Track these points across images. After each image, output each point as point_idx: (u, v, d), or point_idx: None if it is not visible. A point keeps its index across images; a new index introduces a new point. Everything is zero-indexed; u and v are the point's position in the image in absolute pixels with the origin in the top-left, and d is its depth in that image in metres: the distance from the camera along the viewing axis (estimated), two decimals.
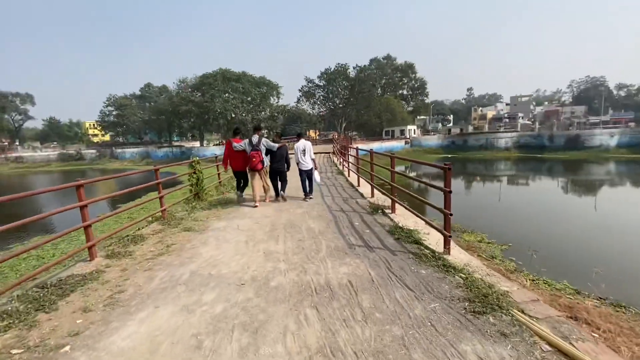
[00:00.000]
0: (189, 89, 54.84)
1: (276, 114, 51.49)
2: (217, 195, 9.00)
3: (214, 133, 62.53)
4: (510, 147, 48.17)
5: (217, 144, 55.95)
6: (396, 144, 50.01)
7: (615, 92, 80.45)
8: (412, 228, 5.32)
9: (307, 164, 7.53)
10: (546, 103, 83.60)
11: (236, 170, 7.51)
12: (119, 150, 55.29)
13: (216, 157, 10.65)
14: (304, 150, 7.57)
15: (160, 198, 6.41)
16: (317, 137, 56.35)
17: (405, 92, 68.08)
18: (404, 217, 6.12)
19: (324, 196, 8.33)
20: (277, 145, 7.25)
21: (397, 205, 6.32)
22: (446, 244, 4.21)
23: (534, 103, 77.97)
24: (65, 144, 67.25)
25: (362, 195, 8.39)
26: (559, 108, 68.16)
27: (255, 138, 7.05)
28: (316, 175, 7.77)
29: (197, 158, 8.15)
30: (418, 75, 66.32)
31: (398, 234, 5.06)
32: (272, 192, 7.83)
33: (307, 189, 7.66)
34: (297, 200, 7.74)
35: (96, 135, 77.57)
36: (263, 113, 50.64)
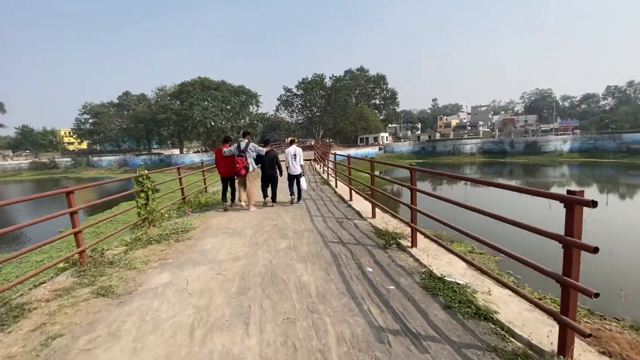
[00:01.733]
0: (168, 97, 52.26)
1: (255, 122, 50.15)
2: (177, 217, 6.63)
3: (193, 140, 60.03)
4: (475, 152, 48.55)
5: (197, 152, 53.46)
6: (371, 150, 49.75)
7: (561, 102, 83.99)
8: (456, 279, 3.25)
9: (297, 169, 7.48)
10: (502, 112, 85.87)
11: (223, 175, 7.22)
12: (96, 159, 51.97)
13: (202, 163, 9.83)
14: (295, 155, 7.48)
15: (77, 234, 3.99)
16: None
17: (377, 101, 68.22)
18: (429, 252, 4.09)
19: (312, 217, 6.30)
20: (264, 150, 7.03)
21: (417, 233, 4.28)
22: (566, 346, 2.09)
23: (491, 112, 79.86)
24: (38, 152, 61.63)
25: (359, 214, 6.40)
26: (514, 117, 69.80)
27: (243, 143, 6.85)
28: (302, 182, 7.64)
29: (145, 171, 5.74)
30: (389, 86, 66.91)
31: (443, 295, 2.98)
32: (258, 199, 7.52)
33: (296, 193, 7.63)
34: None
35: (72, 143, 72.36)
36: (242, 121, 49.25)
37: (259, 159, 7.10)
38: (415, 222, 4.26)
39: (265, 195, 7.47)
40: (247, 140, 6.94)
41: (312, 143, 46.57)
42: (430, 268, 3.58)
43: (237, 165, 6.70)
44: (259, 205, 7.33)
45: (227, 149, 6.94)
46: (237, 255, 4.25)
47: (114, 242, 5.20)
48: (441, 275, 3.36)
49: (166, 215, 6.60)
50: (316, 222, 5.85)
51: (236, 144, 6.90)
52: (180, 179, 7.96)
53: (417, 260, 3.88)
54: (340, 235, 4.99)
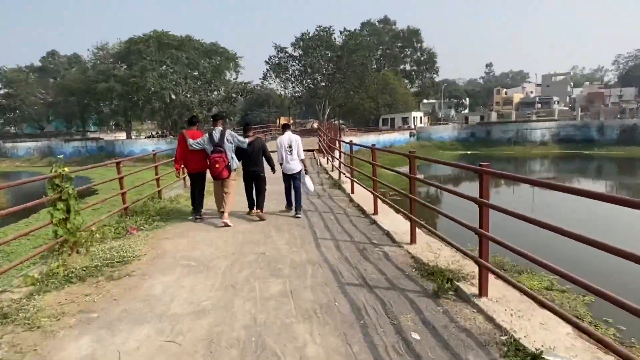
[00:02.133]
0: (111, 60, 52.19)
1: (234, 95, 49.88)
2: (113, 237, 6.24)
3: (146, 121, 60.28)
4: (547, 140, 48.14)
5: (150, 136, 53.70)
6: (398, 137, 50.04)
7: None
8: None
9: (294, 166, 7.53)
10: (586, 84, 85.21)
11: (192, 172, 7.45)
12: (9, 145, 51.97)
13: (154, 154, 10.04)
14: (290, 146, 7.48)
15: None
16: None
17: (408, 67, 67.97)
18: (508, 304, 3.63)
19: (319, 239, 6.02)
20: (247, 140, 7.17)
21: (488, 274, 3.81)
22: None
23: (571, 84, 79.35)
24: None
25: (390, 237, 6.05)
26: (603, 90, 69.16)
27: (216, 132, 7.03)
28: (308, 183, 7.70)
29: (64, 169, 5.30)
30: (425, 45, 66.44)
31: None
32: (237, 207, 7.79)
33: (294, 201, 7.64)
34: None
35: None
36: (216, 93, 49.26)
37: (239, 152, 7.24)
38: (485, 255, 3.79)
39: (251, 204, 7.61)
40: (220, 128, 7.09)
41: (315, 126, 46.24)
42: (516, 335, 3.11)
43: (217, 167, 6.90)
44: (241, 219, 7.36)
45: (193, 142, 7.11)
46: (202, 307, 3.80)
47: (13, 280, 4.78)
48: (536, 350, 2.89)
49: (98, 235, 6.21)
50: (325, 249, 5.46)
51: (207, 135, 7.10)
52: (120, 179, 7.62)
53: (490, 319, 3.41)
54: (364, 273, 4.55)
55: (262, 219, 7.23)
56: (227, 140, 7.00)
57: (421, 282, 4.31)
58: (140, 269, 4.90)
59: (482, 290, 3.83)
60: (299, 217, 7.41)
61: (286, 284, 4.31)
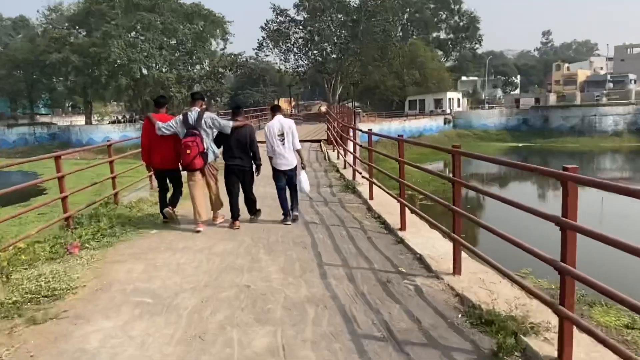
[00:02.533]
0: (66, 25, 52.28)
1: (221, 70, 49.83)
2: (46, 259, 5.86)
3: (111, 102, 60.40)
4: (621, 130, 47.60)
5: (116, 121, 53.80)
6: (428, 124, 50.58)
7: None
8: None
9: (288, 160, 7.63)
10: None
11: (158, 167, 7.65)
12: None
13: (109, 145, 9.98)
14: (282, 134, 7.58)
15: None
16: (293, 112, 55.06)
17: (443, 34, 67.67)
18: None
19: (324, 266, 5.61)
20: (231, 124, 7.31)
21: (572, 327, 3.31)
22: None
23: None
24: None
25: (423, 262, 5.66)
26: None
27: (192, 113, 7.21)
28: (304, 181, 7.80)
29: None
30: (464, 7, 66.09)
31: None
32: (224, 210, 7.86)
33: (288, 203, 7.82)
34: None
35: None
36: (198, 67, 49.21)
37: (220, 140, 7.42)
38: (570, 302, 3.27)
39: (236, 212, 7.60)
40: (197, 109, 7.27)
41: (323, 109, 45.80)
42: None
43: (188, 153, 6.96)
44: (220, 233, 7.28)
45: (163, 124, 7.19)
46: None
47: None
48: None
49: (25, 256, 5.82)
50: (333, 281, 5.05)
51: (180, 116, 7.27)
52: (60, 179, 7.26)
53: None
54: (388, 319, 4.08)
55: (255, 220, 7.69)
56: (204, 123, 7.10)
57: (472, 335, 3.81)
58: (74, 308, 4.46)
59: (564, 352, 3.32)
60: (294, 221, 7.62)
61: (277, 336, 3.83)
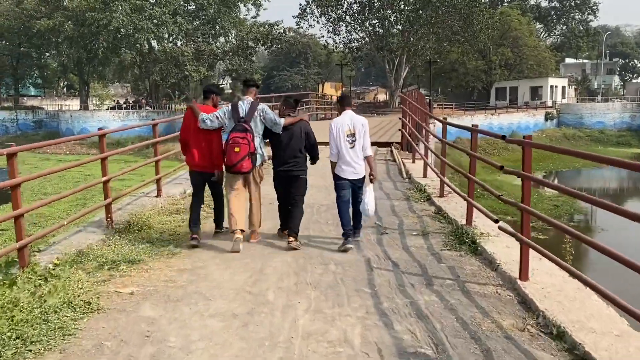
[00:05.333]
0: None
1: (251, 44, 49.57)
2: None
3: (113, 82, 61.30)
4: None
5: (116, 107, 54.68)
6: (524, 119, 50.67)
7: None
8: None
9: (357, 168, 7.76)
10: None
11: (197, 168, 7.89)
12: None
13: (101, 137, 9.49)
14: (353, 134, 7.70)
15: None
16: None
17: (544, 1, 66.35)
18: None
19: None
20: (283, 121, 7.60)
21: None
22: None
23: None
24: None
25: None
26: None
27: (244, 103, 7.56)
28: (369, 198, 7.71)
29: None
30: None
31: None
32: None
33: (351, 221, 7.87)
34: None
35: None
36: (222, 39, 49.15)
37: (269, 138, 7.77)
38: None
39: (282, 226, 8.04)
40: (251, 98, 7.61)
41: (382, 98, 44.42)
42: None
43: (236, 151, 7.24)
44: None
45: (207, 115, 7.47)
46: None
47: None
48: None
49: None
50: None
51: (229, 106, 7.62)
52: (13, 188, 6.39)
53: None
54: None
55: (294, 249, 7.45)
56: (257, 116, 7.41)
57: None
58: None
59: None
60: (355, 242, 7.62)
61: None
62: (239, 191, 7.69)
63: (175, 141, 9.51)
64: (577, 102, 56.77)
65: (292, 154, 7.61)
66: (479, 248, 7.60)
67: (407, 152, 17.69)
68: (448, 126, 11.71)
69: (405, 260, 7.24)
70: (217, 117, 7.46)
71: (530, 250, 6.22)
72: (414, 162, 15.42)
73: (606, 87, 68.96)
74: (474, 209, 8.59)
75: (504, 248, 7.37)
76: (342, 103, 8.06)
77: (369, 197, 7.71)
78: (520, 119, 48.27)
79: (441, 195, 11.08)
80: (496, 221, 7.09)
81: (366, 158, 7.81)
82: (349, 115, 7.73)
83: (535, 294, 5.88)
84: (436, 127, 22.35)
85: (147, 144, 13.07)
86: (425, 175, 13.30)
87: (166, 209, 9.89)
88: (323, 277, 6.35)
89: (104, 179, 8.77)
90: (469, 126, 9.30)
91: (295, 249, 7.42)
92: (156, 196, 10.80)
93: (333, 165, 7.82)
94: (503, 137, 7.23)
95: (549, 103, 53.34)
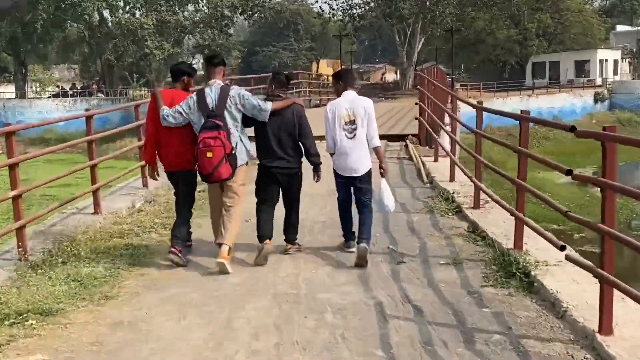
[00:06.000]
0: None
1: (227, 13, 50.28)
2: None
3: (58, 63, 61.96)
4: None
5: (61, 94, 55.79)
6: (568, 101, 51.88)
7: None
8: None
9: (355, 161, 7.85)
10: None
11: (170, 168, 8.05)
12: None
13: (9, 135, 9.05)
14: (353, 121, 7.76)
15: None
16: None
17: None
18: None
19: None
20: (269, 106, 7.55)
21: None
22: None
23: None
24: None
25: None
26: None
27: (212, 91, 7.50)
28: (386, 194, 7.94)
29: None
30: None
31: None
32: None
33: (359, 226, 7.86)
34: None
35: None
36: (191, 7, 49.48)
37: (254, 126, 7.85)
38: None
39: (266, 230, 7.86)
40: (219, 82, 7.60)
41: (389, 78, 44.29)
42: None
43: (208, 157, 7.23)
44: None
45: (169, 110, 7.47)
46: None
47: None
48: None
49: None
50: None
51: (194, 95, 7.50)
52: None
53: None
54: None
55: (295, 248, 8.04)
56: (230, 105, 7.28)
57: None
58: None
59: None
60: (361, 260, 7.44)
61: None
62: (217, 200, 7.91)
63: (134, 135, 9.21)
64: (633, 79, 57.09)
65: (284, 145, 7.60)
66: (535, 284, 6.80)
67: (428, 148, 17.06)
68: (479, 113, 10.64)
69: (431, 304, 6.44)
70: (181, 113, 7.37)
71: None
72: (436, 160, 14.80)
73: None
74: (525, 227, 7.66)
75: (570, 283, 6.55)
76: (342, 80, 7.89)
77: (386, 195, 7.91)
78: (564, 101, 48.51)
79: (476, 206, 10.30)
80: (562, 248, 6.10)
81: (375, 149, 7.86)
82: (349, 95, 7.72)
83: (625, 356, 4.98)
84: (460, 113, 21.81)
85: (75, 143, 13.46)
86: (452, 179, 12.56)
87: (105, 230, 9.33)
88: (316, 333, 5.63)
89: (12, 193, 8.01)
90: (518, 113, 8.30)
91: (295, 249, 7.98)
92: (93, 213, 10.34)
93: (331, 158, 7.96)
94: (572, 129, 6.15)
95: (598, 81, 53.58)
